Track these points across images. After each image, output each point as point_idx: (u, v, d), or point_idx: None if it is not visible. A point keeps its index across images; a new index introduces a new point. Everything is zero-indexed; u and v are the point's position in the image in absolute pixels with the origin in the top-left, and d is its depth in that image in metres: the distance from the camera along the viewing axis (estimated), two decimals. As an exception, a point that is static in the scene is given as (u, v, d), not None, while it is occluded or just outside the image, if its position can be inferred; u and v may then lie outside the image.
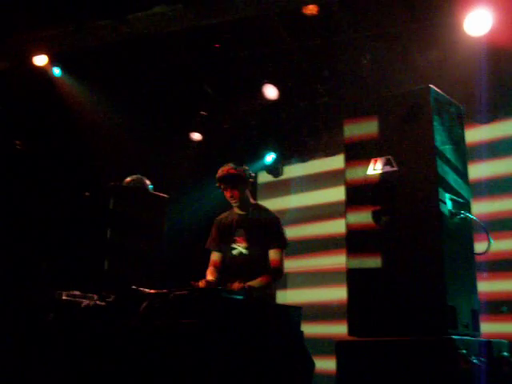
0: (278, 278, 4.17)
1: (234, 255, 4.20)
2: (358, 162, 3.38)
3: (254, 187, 8.15)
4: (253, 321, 3.08)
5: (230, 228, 4.30)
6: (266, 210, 4.36)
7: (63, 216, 6.46)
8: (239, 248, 4.18)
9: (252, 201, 4.37)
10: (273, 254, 4.12)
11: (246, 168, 4.30)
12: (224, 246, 4.29)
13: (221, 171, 4.23)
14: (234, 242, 4.22)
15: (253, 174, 4.35)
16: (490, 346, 3.09)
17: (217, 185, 4.26)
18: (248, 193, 4.32)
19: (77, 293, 3.50)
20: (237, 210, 4.29)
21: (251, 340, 3.01)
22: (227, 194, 4.23)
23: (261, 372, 2.99)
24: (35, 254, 6.24)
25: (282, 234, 4.19)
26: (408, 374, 2.89)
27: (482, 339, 3.13)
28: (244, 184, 4.24)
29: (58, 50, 6.34)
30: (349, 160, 3.46)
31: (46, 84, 6.54)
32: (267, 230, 4.15)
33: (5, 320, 3.81)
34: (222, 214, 4.44)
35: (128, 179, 4.49)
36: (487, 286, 5.48)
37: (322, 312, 6.77)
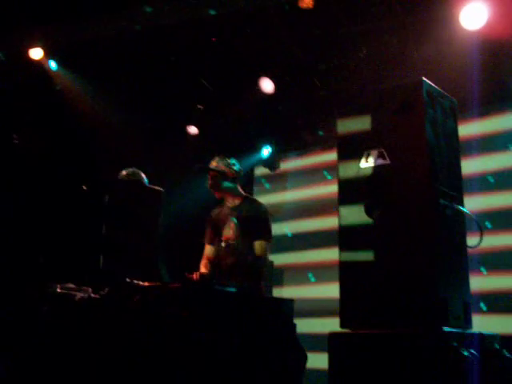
0: (261, 267, 4.20)
1: (222, 247, 4.25)
2: (350, 158, 3.39)
3: (251, 180, 8.18)
4: (245, 313, 3.10)
5: (220, 221, 4.38)
6: (255, 202, 4.41)
7: (61, 210, 6.47)
8: (229, 242, 4.24)
9: (242, 193, 4.41)
10: (257, 245, 4.18)
11: (231, 162, 4.36)
12: (216, 239, 4.34)
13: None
14: (226, 237, 4.30)
15: (237, 169, 4.38)
16: (481, 339, 3.11)
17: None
18: (237, 186, 4.39)
19: (71, 285, 3.51)
20: (227, 204, 4.35)
21: (243, 332, 3.03)
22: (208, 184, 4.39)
23: (252, 364, 3.01)
24: (32, 248, 6.26)
25: (267, 227, 4.22)
26: (399, 366, 2.91)
27: (473, 331, 3.14)
28: (225, 177, 4.30)
29: (54, 44, 6.34)
30: (342, 155, 3.47)
31: (42, 77, 6.53)
32: (254, 222, 4.18)
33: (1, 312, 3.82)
34: (214, 209, 4.49)
35: (123, 172, 4.51)
36: (483, 281, 5.49)
37: (318, 307, 6.77)
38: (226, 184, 4.34)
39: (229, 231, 4.26)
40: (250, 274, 4.02)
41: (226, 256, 4.22)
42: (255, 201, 4.44)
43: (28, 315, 3.47)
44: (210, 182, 4.37)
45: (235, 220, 4.27)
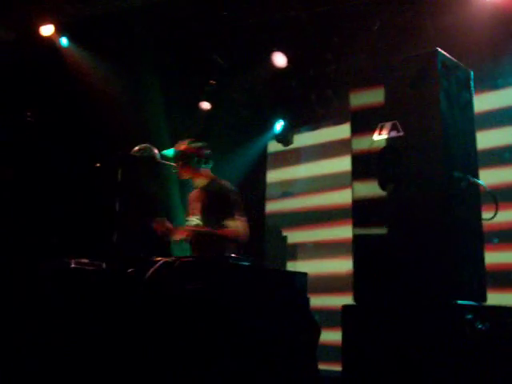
0: (235, 238, 4.21)
1: (190, 225, 4.32)
2: (364, 131, 3.35)
3: (264, 155, 8.16)
4: (258, 286, 3.11)
5: (190, 202, 4.50)
6: (220, 182, 4.45)
7: (74, 186, 6.50)
8: (195, 220, 4.31)
9: (210, 176, 4.48)
10: (229, 225, 4.18)
11: (200, 145, 4.43)
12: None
13: None
14: (193, 214, 4.37)
15: (206, 152, 4.43)
16: (496, 312, 3.09)
17: None
18: (205, 169, 4.45)
19: (85, 260, 3.54)
20: (196, 185, 4.48)
21: (256, 305, 3.04)
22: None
23: (266, 336, 3.03)
24: (46, 225, 6.30)
25: (233, 204, 4.25)
26: (413, 338, 2.91)
27: (487, 305, 3.13)
28: (190, 160, 4.37)
29: (65, 19, 6.32)
30: (355, 129, 3.44)
31: (53, 54, 6.52)
32: (220, 203, 4.24)
33: (16, 288, 3.86)
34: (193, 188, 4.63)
35: (136, 148, 4.51)
36: (496, 256, 5.44)
37: (331, 283, 6.76)
38: (196, 166, 4.39)
39: (196, 212, 4.33)
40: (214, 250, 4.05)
41: (193, 234, 4.27)
42: (220, 181, 4.48)
43: (42, 289, 3.51)
44: (178, 163, 4.41)
45: (200, 201, 4.35)
